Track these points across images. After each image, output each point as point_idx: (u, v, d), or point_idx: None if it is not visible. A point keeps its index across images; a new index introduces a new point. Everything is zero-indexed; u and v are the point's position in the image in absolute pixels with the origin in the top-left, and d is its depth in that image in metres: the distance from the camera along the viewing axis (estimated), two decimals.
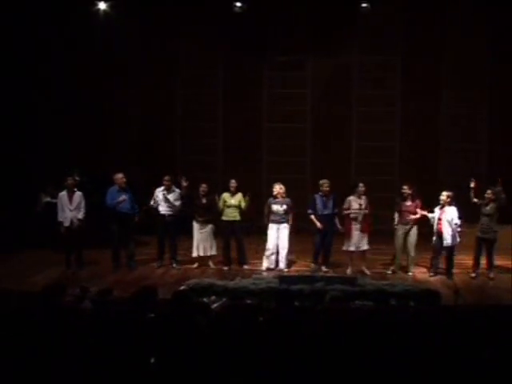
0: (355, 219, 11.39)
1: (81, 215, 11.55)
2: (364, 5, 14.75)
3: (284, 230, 11.58)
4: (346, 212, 11.43)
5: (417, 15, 15.02)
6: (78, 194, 11.58)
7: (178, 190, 11.83)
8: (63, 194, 11.51)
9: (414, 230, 11.45)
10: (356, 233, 11.40)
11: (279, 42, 15.63)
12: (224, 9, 15.06)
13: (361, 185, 11.54)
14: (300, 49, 15.78)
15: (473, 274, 11.23)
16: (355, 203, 11.41)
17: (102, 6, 14.49)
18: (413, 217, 11.40)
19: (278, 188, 11.57)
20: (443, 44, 15.56)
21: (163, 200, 11.73)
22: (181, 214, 11.89)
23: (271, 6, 15.12)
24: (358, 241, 11.40)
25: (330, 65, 15.96)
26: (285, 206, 11.54)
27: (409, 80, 15.71)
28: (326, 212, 11.43)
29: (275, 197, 11.58)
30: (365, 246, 11.47)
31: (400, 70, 15.93)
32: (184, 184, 11.78)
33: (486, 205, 11.12)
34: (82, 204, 11.59)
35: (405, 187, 11.53)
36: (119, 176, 11.56)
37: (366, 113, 15.97)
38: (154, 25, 15.02)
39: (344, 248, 11.49)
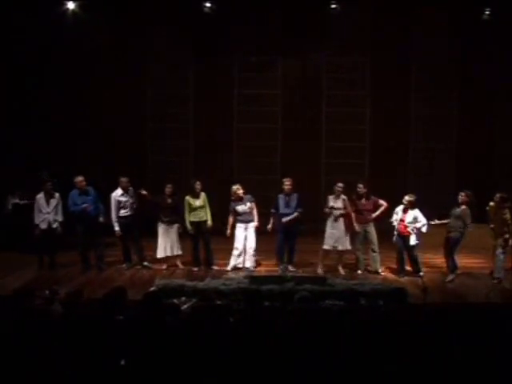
0: (331, 218, 11.43)
1: (60, 217, 11.53)
2: (334, 6, 14.85)
3: (251, 228, 11.56)
4: (327, 210, 11.43)
5: (386, 16, 15.12)
6: (56, 197, 11.56)
7: (131, 189, 11.72)
8: (40, 196, 11.47)
9: (373, 228, 11.55)
10: (332, 231, 11.43)
11: (249, 42, 15.63)
12: (194, 9, 15.03)
13: (339, 185, 11.59)
14: (270, 49, 15.79)
15: (458, 272, 11.25)
16: (332, 202, 11.45)
17: (71, 5, 14.40)
18: (373, 215, 11.51)
19: (235, 189, 11.51)
20: (412, 44, 15.70)
21: (125, 202, 11.61)
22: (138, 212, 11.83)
23: (241, 7, 15.12)
24: (334, 240, 11.42)
25: (301, 65, 16.05)
26: (248, 204, 11.55)
27: (378, 80, 15.83)
28: (287, 211, 11.43)
29: (237, 198, 11.54)
30: (340, 247, 11.45)
31: (369, 71, 16.05)
32: (143, 192, 11.65)
33: (458, 206, 11.13)
34: (60, 206, 11.57)
35: (360, 185, 11.61)
36: (79, 179, 11.47)
37: (336, 113, 16.07)
38: (124, 25, 14.94)
39: (323, 247, 11.50)
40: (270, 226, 11.49)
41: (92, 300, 7.02)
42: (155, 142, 16.22)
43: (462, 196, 11.13)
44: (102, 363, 4.95)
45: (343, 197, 11.49)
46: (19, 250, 12.27)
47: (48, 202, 11.48)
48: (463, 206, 11.06)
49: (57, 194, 11.60)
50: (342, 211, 11.43)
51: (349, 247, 11.53)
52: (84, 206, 11.33)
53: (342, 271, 11.46)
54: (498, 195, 10.95)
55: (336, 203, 11.43)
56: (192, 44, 15.74)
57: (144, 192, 11.65)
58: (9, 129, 14.48)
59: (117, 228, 11.55)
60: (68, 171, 12.79)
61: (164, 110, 16.12)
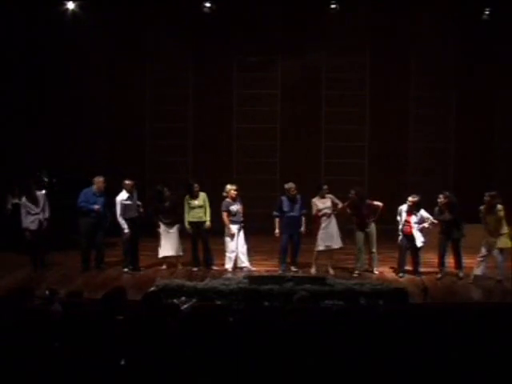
0: (323, 219, 11.42)
1: (47, 215, 11.47)
2: (333, 6, 14.83)
3: (242, 229, 11.65)
4: (319, 213, 11.42)
5: (386, 16, 15.12)
6: (41, 195, 11.51)
7: (136, 191, 11.70)
8: (25, 199, 11.39)
9: (373, 228, 11.51)
10: (324, 231, 11.42)
11: (249, 42, 15.61)
12: (193, 9, 15.02)
13: (325, 187, 11.60)
14: (269, 50, 15.79)
15: (438, 275, 11.19)
16: (320, 203, 11.46)
17: (71, 5, 14.40)
18: (371, 219, 11.50)
19: (230, 189, 11.51)
20: (411, 44, 15.68)
21: (131, 205, 11.56)
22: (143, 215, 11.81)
23: (240, 7, 15.11)
24: (329, 240, 11.42)
25: (300, 65, 16.02)
26: (240, 205, 11.59)
27: (377, 80, 15.83)
28: (292, 214, 11.45)
29: (232, 198, 11.53)
30: (335, 245, 11.47)
31: (369, 71, 16.04)
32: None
33: (441, 212, 11.07)
34: (47, 203, 11.51)
35: (352, 192, 11.55)
36: (100, 179, 11.47)
37: (336, 113, 16.03)
38: (124, 25, 14.94)
39: (317, 248, 11.49)
40: (277, 231, 11.46)
41: (92, 300, 7.02)
42: (155, 141, 16.20)
43: (440, 199, 11.06)
44: (102, 363, 4.95)
45: (329, 196, 11.54)
46: (19, 250, 12.25)
47: (36, 203, 11.39)
48: (447, 212, 10.98)
49: (42, 193, 11.57)
50: (331, 210, 11.46)
51: (342, 245, 11.54)
52: (96, 207, 11.31)
53: (331, 271, 11.45)
54: (487, 194, 10.81)
55: (324, 203, 11.44)
56: (192, 44, 15.72)
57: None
58: (9, 129, 14.47)
59: (126, 230, 11.44)
60: (68, 171, 12.85)
61: (164, 109, 16.10)
